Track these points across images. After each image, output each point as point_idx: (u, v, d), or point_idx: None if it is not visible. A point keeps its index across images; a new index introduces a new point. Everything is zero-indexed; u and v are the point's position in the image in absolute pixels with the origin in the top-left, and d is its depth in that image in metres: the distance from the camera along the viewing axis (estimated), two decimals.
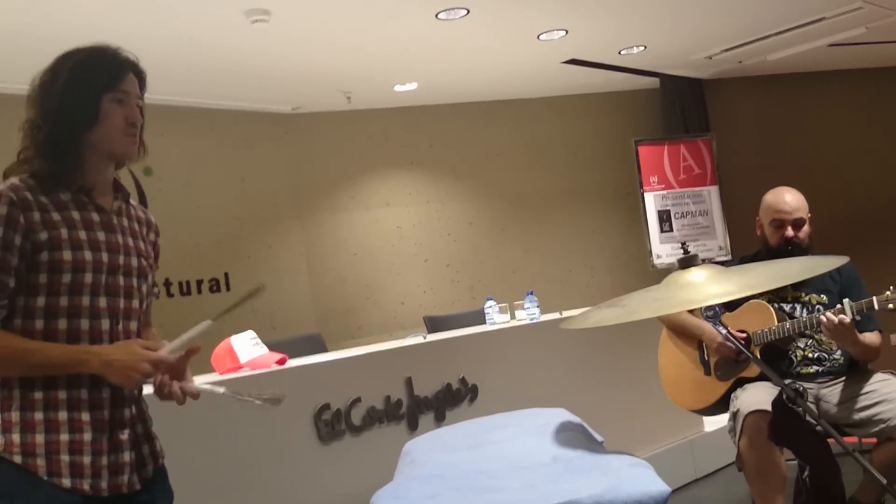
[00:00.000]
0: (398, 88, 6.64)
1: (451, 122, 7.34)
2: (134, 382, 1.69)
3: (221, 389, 1.80)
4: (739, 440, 2.85)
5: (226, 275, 6.37)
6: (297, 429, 3.20)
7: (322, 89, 6.34)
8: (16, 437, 1.62)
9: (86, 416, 1.69)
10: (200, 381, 1.94)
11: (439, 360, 3.79)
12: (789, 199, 3.15)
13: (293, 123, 6.92)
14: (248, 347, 3.34)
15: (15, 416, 1.64)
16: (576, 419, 2.08)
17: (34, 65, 1.82)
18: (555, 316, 4.48)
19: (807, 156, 7.46)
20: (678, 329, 3.32)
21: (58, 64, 1.79)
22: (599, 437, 1.99)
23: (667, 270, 6.90)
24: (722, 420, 3.15)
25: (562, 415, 2.11)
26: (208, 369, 3.36)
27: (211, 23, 4.69)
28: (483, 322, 4.44)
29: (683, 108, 7.53)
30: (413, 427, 3.54)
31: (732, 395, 3.05)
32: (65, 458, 1.65)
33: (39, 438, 1.64)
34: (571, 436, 1.93)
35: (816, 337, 3.07)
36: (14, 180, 1.69)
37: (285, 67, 5.71)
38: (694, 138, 7.30)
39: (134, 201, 1.94)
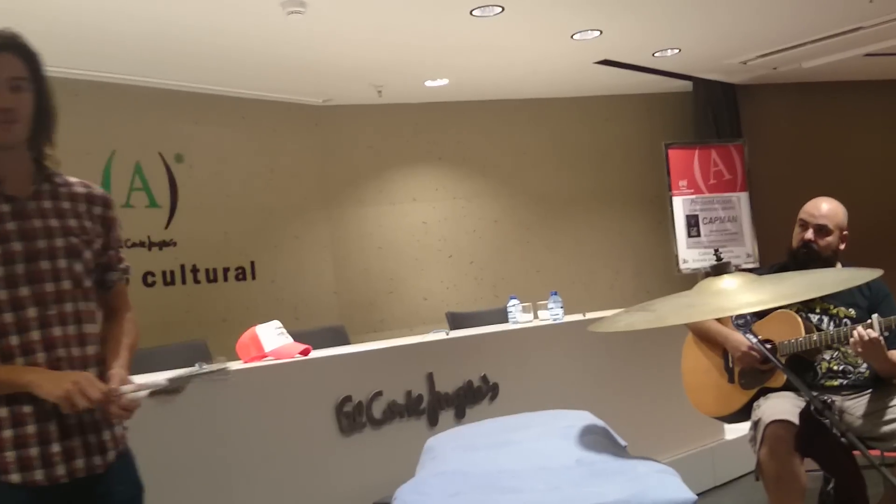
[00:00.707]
0: (429, 84, 6.64)
1: (480, 119, 7.33)
2: (54, 397, 1.64)
3: (144, 393, 1.75)
4: (759, 449, 2.82)
5: (252, 263, 6.42)
6: (319, 419, 3.22)
7: (353, 82, 6.36)
8: None
9: (28, 408, 1.67)
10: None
11: (461, 357, 3.79)
12: (822, 205, 3.12)
13: (323, 115, 6.95)
14: (272, 337, 3.36)
15: None
16: (600, 422, 2.08)
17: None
18: (578, 317, 4.46)
19: (839, 165, 7.37)
20: (703, 335, 3.29)
21: None
22: (623, 442, 1.99)
23: (693, 275, 6.85)
24: (743, 428, 3.13)
25: (585, 417, 2.11)
26: (233, 356, 3.39)
27: (246, 12, 4.72)
28: (505, 321, 4.43)
29: (716, 113, 7.47)
30: (433, 423, 3.54)
31: (755, 404, 3.03)
32: (10, 454, 1.65)
33: None
34: (595, 439, 1.92)
35: (842, 349, 3.03)
36: None
37: (318, 59, 5.73)
38: (725, 143, 7.25)
39: (74, 178, 1.89)
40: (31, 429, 1.67)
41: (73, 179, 1.88)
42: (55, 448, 1.69)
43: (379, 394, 3.38)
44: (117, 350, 1.86)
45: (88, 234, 1.83)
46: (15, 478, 1.65)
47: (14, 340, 1.68)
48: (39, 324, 1.71)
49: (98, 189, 1.92)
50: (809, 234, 3.09)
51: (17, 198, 1.75)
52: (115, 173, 5.72)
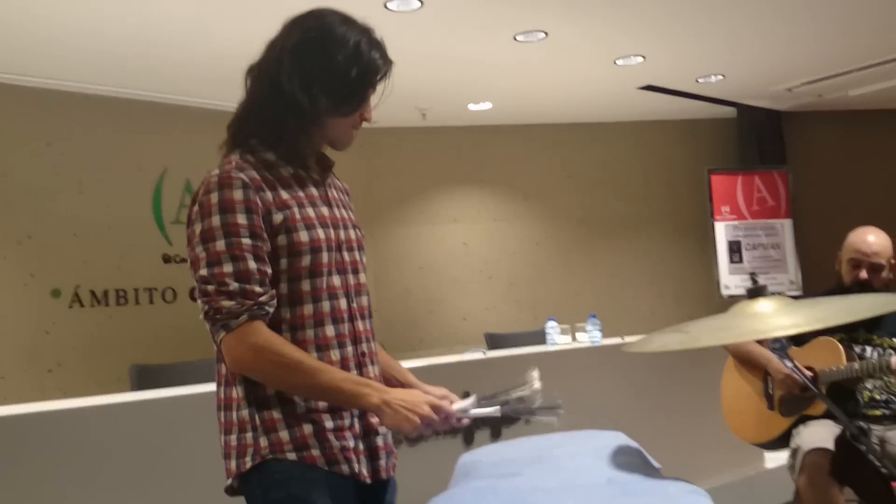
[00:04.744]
0: (472, 107, 6.72)
1: (522, 143, 7.39)
2: (411, 425, 1.52)
3: (493, 410, 1.78)
4: (798, 478, 2.80)
5: None
6: None
7: (398, 105, 6.45)
8: (284, 435, 1.52)
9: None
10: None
11: (498, 377, 3.80)
12: (871, 241, 3.07)
13: (368, 137, 7.04)
14: None
15: (276, 413, 1.53)
16: (633, 444, 2.08)
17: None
18: (617, 341, 4.45)
19: (885, 194, 7.25)
20: (744, 359, 3.27)
21: (336, 35, 1.62)
22: (657, 464, 1.99)
23: (735, 301, 6.77)
24: (784, 457, 3.10)
25: (619, 438, 2.11)
26: None
27: None
28: (543, 342, 4.44)
29: (760, 140, 7.42)
30: (469, 441, 3.56)
31: (794, 431, 3.00)
32: (336, 444, 1.55)
33: (307, 429, 1.53)
34: (628, 460, 1.93)
35: (885, 379, 2.99)
36: (236, 158, 1.56)
37: None
38: (769, 170, 7.19)
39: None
40: (346, 422, 1.59)
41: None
42: (361, 445, 1.61)
43: None
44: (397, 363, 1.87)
45: (360, 228, 1.76)
46: (344, 469, 1.56)
47: (330, 331, 1.58)
48: (349, 315, 1.62)
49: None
50: (864, 274, 3.03)
51: (320, 182, 1.68)
52: (165, 190, 5.88)
